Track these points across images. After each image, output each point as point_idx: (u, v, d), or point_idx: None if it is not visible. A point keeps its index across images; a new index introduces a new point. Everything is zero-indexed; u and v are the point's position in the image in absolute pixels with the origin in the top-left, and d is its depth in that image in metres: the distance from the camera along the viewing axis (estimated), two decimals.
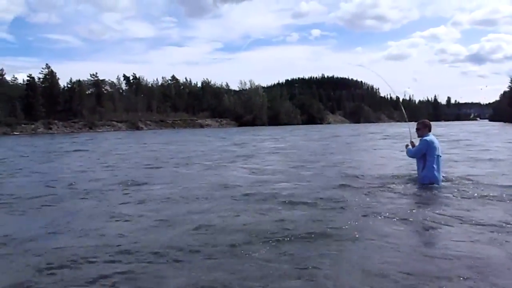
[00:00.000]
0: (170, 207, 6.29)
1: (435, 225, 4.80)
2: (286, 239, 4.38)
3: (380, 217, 5.17)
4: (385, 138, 28.11)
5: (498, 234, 4.39)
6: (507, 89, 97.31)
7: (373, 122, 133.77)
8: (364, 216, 5.29)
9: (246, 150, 19.17)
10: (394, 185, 7.43)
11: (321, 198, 6.51)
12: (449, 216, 5.14)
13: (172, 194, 7.26)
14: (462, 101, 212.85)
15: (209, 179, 9.16)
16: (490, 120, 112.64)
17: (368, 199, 6.32)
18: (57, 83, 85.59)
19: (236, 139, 31.45)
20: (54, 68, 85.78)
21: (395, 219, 5.06)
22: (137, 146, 24.38)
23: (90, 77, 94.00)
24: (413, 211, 5.51)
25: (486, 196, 6.31)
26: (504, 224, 4.70)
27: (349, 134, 38.97)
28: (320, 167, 11.24)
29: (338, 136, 33.87)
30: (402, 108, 9.65)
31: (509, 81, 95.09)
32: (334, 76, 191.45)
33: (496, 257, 3.75)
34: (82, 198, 7.20)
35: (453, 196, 6.38)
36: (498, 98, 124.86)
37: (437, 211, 5.42)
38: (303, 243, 4.20)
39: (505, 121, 77.47)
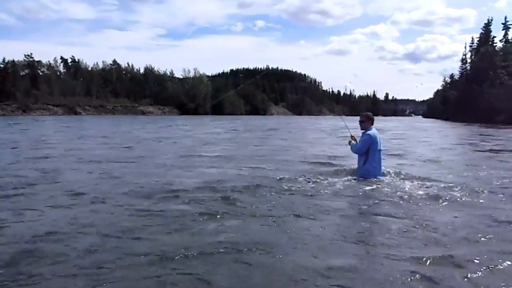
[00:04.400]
0: None
1: (372, 220, 5.00)
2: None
3: (320, 212, 5.26)
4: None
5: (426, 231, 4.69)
6: (440, 88, 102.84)
7: (315, 115, 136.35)
8: (305, 211, 5.38)
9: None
10: (333, 179, 7.31)
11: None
12: (386, 211, 5.30)
13: None
14: (399, 97, 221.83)
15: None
16: (424, 117, 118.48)
17: (309, 194, 6.28)
18: None
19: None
20: None
21: (334, 214, 5.18)
22: None
23: (24, 58, 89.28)
24: (353, 205, 5.65)
25: (420, 190, 6.54)
26: (432, 221, 4.99)
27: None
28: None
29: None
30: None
31: (442, 80, 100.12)
32: (279, 68, 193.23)
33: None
34: None
35: (391, 190, 6.47)
36: (431, 96, 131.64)
37: (375, 206, 5.57)
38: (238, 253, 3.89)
39: (436, 118, 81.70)
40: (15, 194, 6.21)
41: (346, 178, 7.33)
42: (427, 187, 6.70)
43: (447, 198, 5.99)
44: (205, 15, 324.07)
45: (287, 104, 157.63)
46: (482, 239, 4.24)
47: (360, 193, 6.30)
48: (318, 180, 7.23)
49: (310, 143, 17.87)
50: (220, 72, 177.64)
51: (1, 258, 3.61)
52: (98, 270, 3.37)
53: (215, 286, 3.14)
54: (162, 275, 3.29)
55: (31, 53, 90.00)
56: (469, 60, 76.83)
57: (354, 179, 7.15)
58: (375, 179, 7.00)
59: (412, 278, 3.23)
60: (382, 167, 7.45)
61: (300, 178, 7.44)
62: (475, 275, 3.29)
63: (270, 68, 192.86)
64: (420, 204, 5.66)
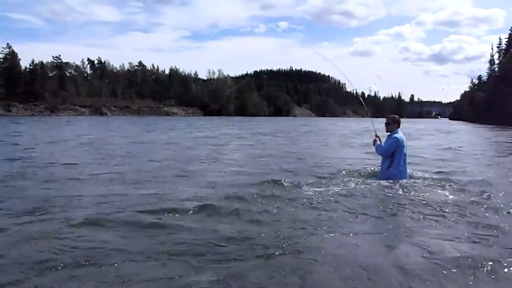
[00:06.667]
0: None
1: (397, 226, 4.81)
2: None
3: (350, 217, 5.10)
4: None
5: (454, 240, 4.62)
6: (467, 89, 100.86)
7: (339, 117, 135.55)
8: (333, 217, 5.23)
9: None
10: (356, 182, 7.09)
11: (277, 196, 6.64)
12: (412, 215, 5.13)
13: None
14: (424, 99, 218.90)
15: None
16: (450, 119, 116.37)
17: (334, 197, 6.12)
18: (18, 64, 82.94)
19: None
20: (15, 48, 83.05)
21: (359, 219, 5.02)
22: None
23: (53, 59, 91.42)
24: (378, 208, 5.50)
25: (448, 195, 6.29)
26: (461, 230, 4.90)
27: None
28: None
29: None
30: (364, 105, 9.52)
31: (469, 81, 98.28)
32: (302, 69, 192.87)
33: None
34: None
35: (418, 194, 6.25)
36: (458, 98, 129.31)
37: (401, 210, 5.38)
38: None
39: (463, 120, 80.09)
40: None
41: (370, 181, 7.13)
42: (457, 193, 6.50)
43: (477, 203, 5.77)
44: (228, 16, 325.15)
45: (310, 106, 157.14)
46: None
47: (386, 196, 6.14)
48: (342, 184, 7.08)
49: (335, 146, 17.73)
50: (244, 74, 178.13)
51: None
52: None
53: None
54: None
55: (59, 55, 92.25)
56: (497, 61, 75.18)
57: (379, 183, 6.91)
58: (400, 183, 6.80)
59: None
60: (408, 171, 7.27)
61: (324, 181, 7.34)
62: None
63: (294, 69, 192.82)
64: (446, 208, 5.52)
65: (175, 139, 20.03)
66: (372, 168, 8.33)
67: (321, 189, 6.56)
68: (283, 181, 7.15)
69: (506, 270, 3.44)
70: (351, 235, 4.33)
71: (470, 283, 3.22)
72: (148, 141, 18.56)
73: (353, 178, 7.54)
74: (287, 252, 3.81)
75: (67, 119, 56.98)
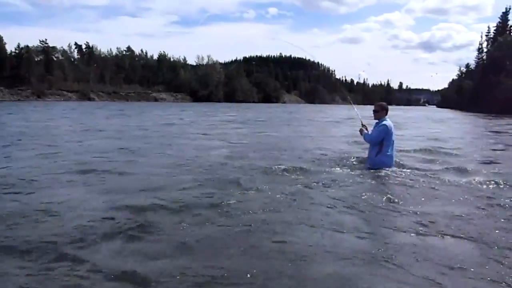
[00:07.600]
0: None
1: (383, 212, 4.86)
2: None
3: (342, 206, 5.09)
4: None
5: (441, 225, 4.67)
6: (455, 77, 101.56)
7: (328, 103, 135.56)
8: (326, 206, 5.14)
9: None
10: (344, 170, 7.16)
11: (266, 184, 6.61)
12: (402, 202, 5.19)
13: None
14: (413, 87, 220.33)
15: None
16: (438, 107, 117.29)
17: (323, 185, 6.14)
18: (4, 48, 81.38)
19: None
20: (0, 32, 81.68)
21: (349, 207, 5.01)
22: None
23: (39, 44, 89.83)
24: (368, 196, 5.49)
25: (432, 183, 6.34)
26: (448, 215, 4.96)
27: None
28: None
29: None
30: (344, 91, 9.47)
31: (457, 69, 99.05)
32: (292, 56, 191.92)
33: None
34: None
35: (407, 181, 6.34)
36: (446, 86, 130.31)
37: (390, 197, 5.37)
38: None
39: (451, 108, 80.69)
40: None
41: (358, 169, 7.21)
42: (444, 180, 6.56)
43: (466, 190, 5.90)
44: (217, 1, 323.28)
45: (299, 92, 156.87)
46: (491, 232, 4.18)
47: (375, 184, 6.19)
48: (329, 171, 7.12)
49: (320, 133, 17.72)
50: (233, 60, 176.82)
51: None
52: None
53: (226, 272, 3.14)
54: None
55: (46, 39, 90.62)
56: (485, 50, 75.56)
57: (367, 170, 7.00)
58: (389, 170, 6.89)
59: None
60: (394, 159, 7.32)
61: (311, 169, 7.32)
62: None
63: (283, 56, 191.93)
64: (434, 195, 5.57)
65: (134, 126, 18.89)
66: (359, 156, 8.37)
67: (308, 178, 6.54)
68: (266, 170, 7.17)
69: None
70: (337, 228, 4.26)
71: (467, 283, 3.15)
72: (100, 128, 17.30)
73: (340, 166, 7.58)
74: (266, 245, 3.80)
75: (52, 104, 56.17)
